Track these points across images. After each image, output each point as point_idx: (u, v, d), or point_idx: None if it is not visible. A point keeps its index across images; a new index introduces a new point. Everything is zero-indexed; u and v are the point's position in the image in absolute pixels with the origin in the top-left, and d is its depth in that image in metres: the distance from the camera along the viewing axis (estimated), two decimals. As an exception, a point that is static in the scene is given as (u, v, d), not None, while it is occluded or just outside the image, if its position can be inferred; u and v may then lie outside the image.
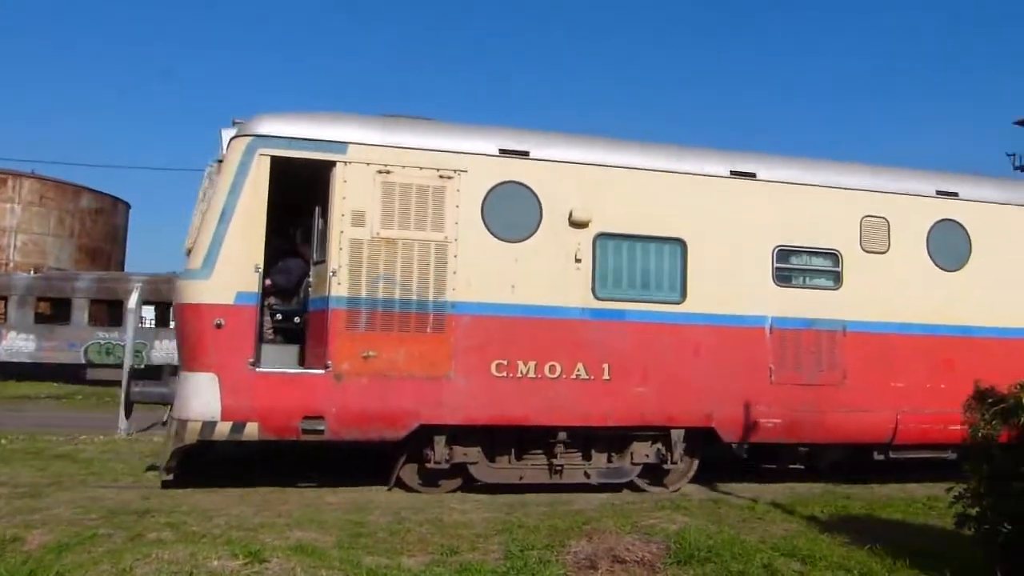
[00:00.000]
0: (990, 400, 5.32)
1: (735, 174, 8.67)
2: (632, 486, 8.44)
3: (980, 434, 5.25)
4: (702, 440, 8.46)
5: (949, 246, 9.17)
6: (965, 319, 9.09)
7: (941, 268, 9.12)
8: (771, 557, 5.57)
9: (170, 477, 7.51)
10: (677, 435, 8.24)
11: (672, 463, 8.27)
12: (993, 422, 5.21)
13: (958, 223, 9.24)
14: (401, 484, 8.02)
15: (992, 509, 5.11)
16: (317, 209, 8.09)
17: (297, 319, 8.19)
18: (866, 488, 8.97)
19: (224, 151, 8.29)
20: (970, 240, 9.24)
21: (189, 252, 8.57)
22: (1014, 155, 46.16)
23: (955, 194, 9.35)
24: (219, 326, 7.21)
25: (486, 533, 6.16)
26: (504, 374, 7.75)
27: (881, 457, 9.04)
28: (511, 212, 7.95)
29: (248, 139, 7.54)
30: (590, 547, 5.62)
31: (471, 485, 8.01)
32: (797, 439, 8.66)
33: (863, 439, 8.84)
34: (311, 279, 8.10)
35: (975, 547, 5.32)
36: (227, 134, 8.41)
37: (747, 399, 8.32)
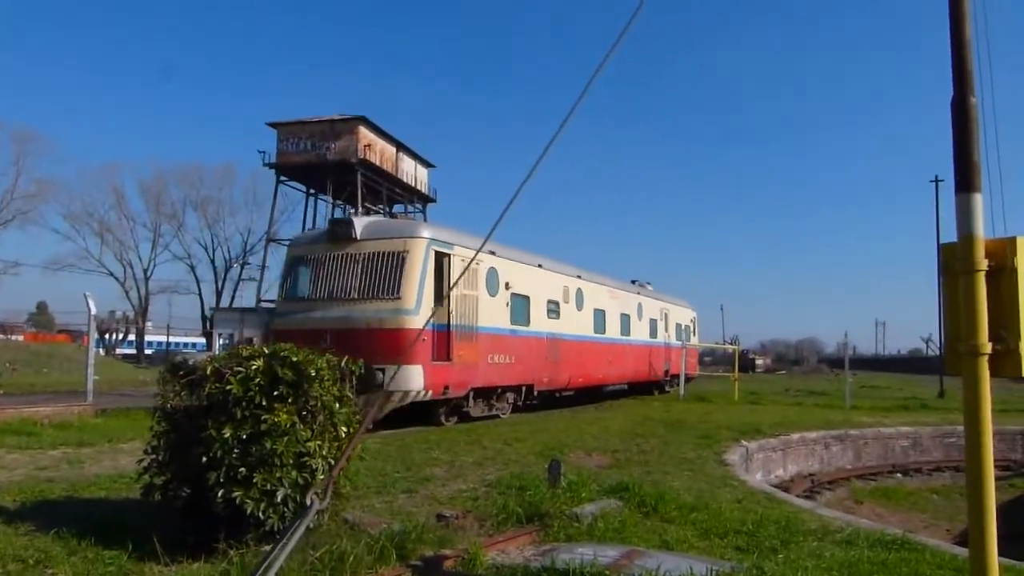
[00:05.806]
0: (182, 372, 5.62)
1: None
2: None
3: (169, 405, 5.55)
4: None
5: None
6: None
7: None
8: None
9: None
10: None
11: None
12: (183, 393, 5.52)
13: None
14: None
15: (176, 476, 5.41)
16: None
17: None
18: (73, 468, 8.97)
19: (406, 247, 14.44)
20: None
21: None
22: (264, 153, 45.68)
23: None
24: (424, 340, 13.62)
25: None
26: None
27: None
28: None
29: (426, 240, 14.12)
30: None
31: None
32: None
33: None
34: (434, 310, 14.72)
35: (161, 513, 5.66)
36: (360, 223, 14.22)
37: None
